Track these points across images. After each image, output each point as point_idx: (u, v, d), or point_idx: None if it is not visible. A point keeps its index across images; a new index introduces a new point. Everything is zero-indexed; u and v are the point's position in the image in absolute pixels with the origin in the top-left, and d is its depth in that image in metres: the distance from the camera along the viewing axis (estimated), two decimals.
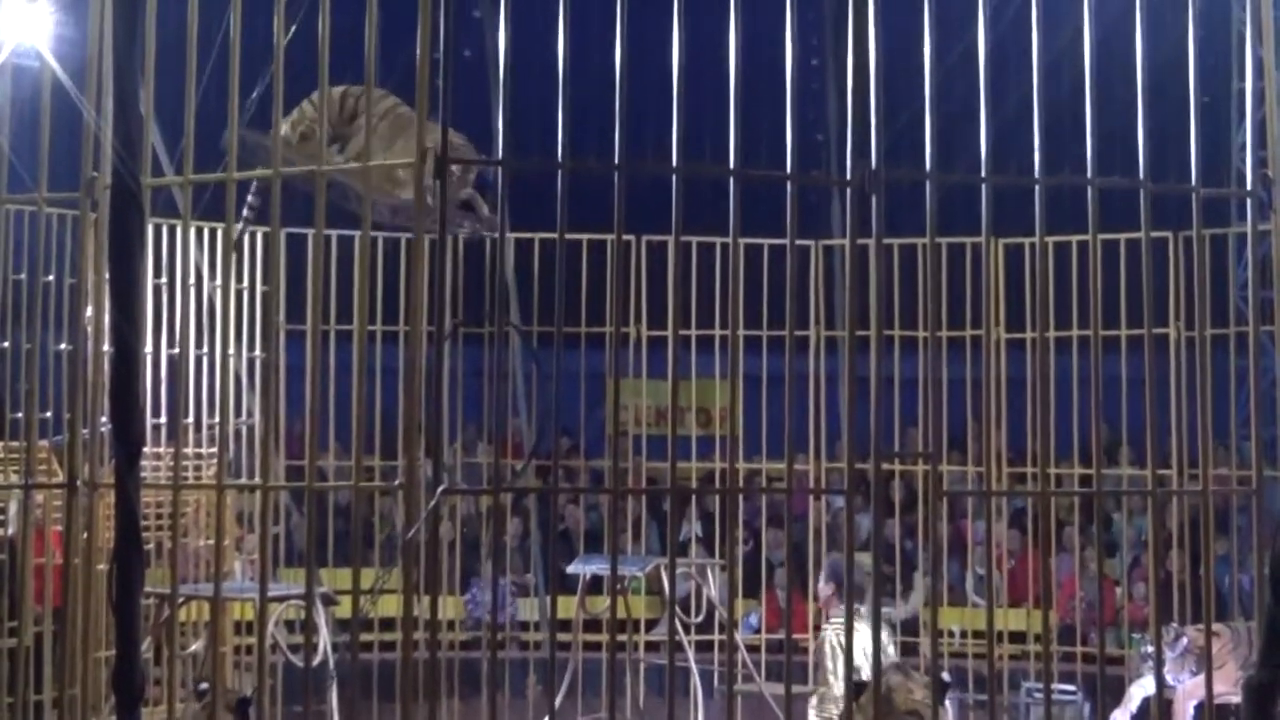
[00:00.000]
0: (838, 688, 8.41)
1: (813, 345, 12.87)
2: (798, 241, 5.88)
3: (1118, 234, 9.15)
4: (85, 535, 6.33)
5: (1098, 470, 6.83)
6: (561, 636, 11.80)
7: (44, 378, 8.94)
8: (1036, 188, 5.99)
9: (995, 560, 11.90)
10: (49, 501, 8.71)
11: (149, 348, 10.25)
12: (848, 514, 6.22)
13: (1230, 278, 13.80)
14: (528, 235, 12.23)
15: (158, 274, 10.54)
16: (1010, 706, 12.68)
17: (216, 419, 7.78)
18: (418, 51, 5.74)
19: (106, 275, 5.71)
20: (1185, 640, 10.00)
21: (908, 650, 13.51)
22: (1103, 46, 6.13)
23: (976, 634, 13.37)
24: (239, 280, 11.19)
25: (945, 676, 7.25)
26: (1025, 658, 12.93)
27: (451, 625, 13.14)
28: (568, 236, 5.80)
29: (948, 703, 8.12)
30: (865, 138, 5.78)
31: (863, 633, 8.40)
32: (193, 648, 10.72)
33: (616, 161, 5.70)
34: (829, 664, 8.60)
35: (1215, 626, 8.17)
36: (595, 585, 12.31)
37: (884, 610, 5.95)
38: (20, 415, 7.90)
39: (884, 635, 8.89)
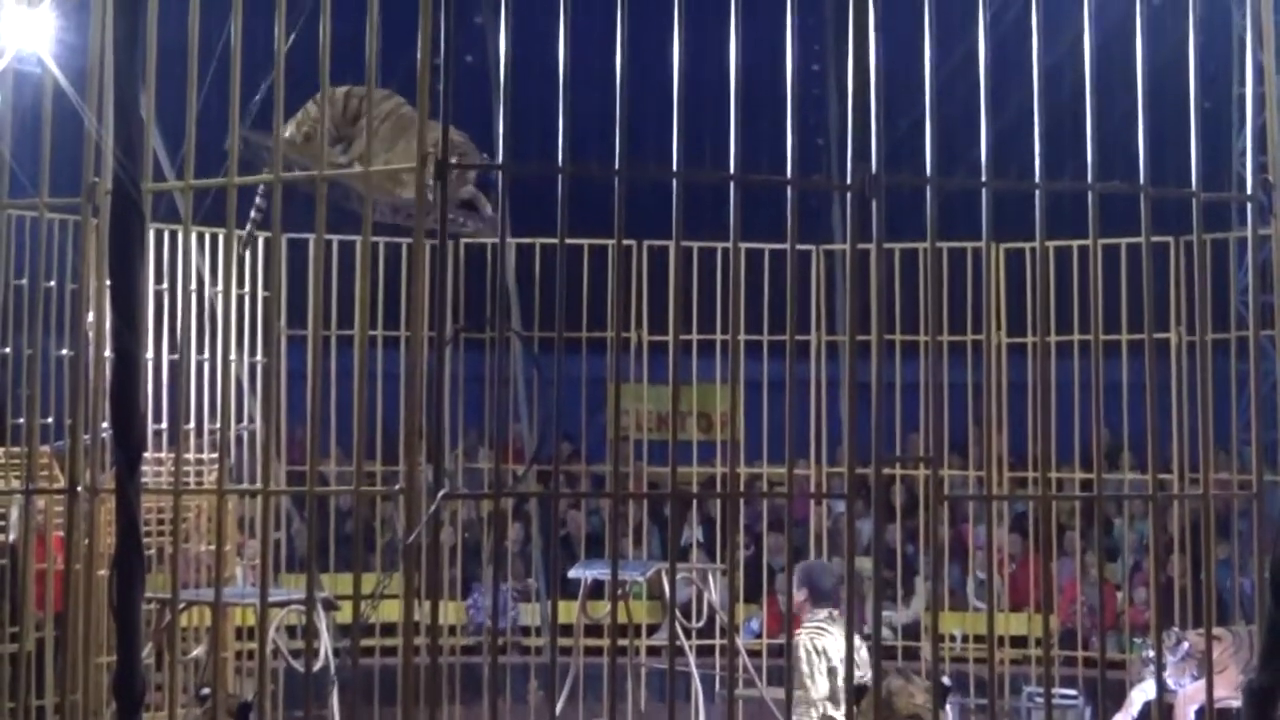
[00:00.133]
0: (814, 691, 8.43)
1: (814, 350, 12.86)
2: (798, 246, 5.88)
3: (1118, 239, 9.14)
4: (86, 541, 6.33)
5: (1099, 474, 6.84)
6: (563, 641, 11.79)
7: (45, 383, 8.94)
8: (1037, 192, 5.99)
9: (996, 564, 11.91)
10: (50, 507, 8.71)
11: (150, 353, 10.26)
12: (848, 519, 6.22)
13: (1231, 282, 13.80)
14: (528, 240, 12.23)
15: (159, 279, 10.55)
16: (1011, 711, 12.68)
17: (218, 424, 7.78)
18: (419, 56, 5.74)
19: (107, 281, 5.71)
20: (1186, 645, 9.99)
21: (909, 655, 13.53)
22: (1103, 51, 6.13)
23: (977, 638, 13.36)
24: (240, 285, 11.20)
25: (946, 681, 7.26)
26: (1026, 662, 12.92)
27: (453, 630, 13.14)
28: (568, 241, 5.79)
29: (949, 707, 8.12)
30: (866, 142, 5.78)
31: (836, 637, 8.41)
32: (194, 653, 10.72)
33: (617, 166, 5.70)
34: (804, 668, 8.62)
35: (1216, 631, 8.17)
36: (596, 590, 12.30)
37: (884, 614, 5.94)
38: (22, 420, 7.91)
39: (857, 641, 8.92)
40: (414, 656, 5.76)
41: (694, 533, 14.56)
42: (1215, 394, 6.46)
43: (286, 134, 8.02)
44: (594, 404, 12.77)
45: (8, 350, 9.80)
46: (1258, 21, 6.62)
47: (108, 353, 5.36)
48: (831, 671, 8.36)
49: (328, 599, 10.27)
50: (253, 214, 8.58)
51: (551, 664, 6.50)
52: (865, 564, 11.22)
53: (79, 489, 6.25)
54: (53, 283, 9.72)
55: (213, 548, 9.97)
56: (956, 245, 11.03)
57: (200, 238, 10.92)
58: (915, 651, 13.57)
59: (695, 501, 14.44)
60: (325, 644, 10.07)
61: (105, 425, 5.74)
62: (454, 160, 7.86)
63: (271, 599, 7.60)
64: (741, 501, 12.51)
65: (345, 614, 10.48)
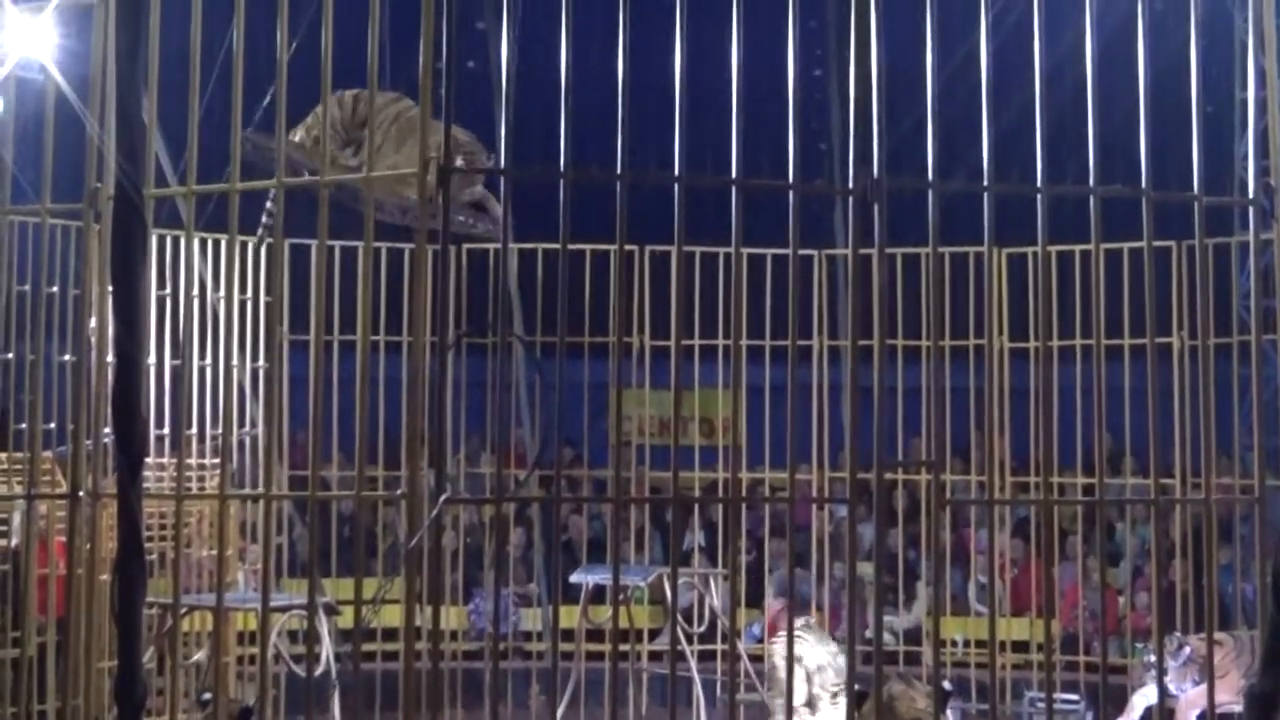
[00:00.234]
0: (795, 696, 8.45)
1: (815, 355, 12.85)
2: (800, 251, 5.88)
3: (1120, 243, 9.15)
4: (88, 546, 6.33)
5: (1100, 479, 6.84)
6: (564, 646, 11.79)
7: (48, 389, 8.95)
8: (1039, 197, 5.99)
9: (998, 569, 11.90)
10: (52, 512, 8.71)
11: (152, 358, 10.26)
12: (850, 523, 6.22)
13: (1233, 287, 13.81)
14: (530, 245, 12.24)
15: (161, 285, 10.55)
16: (1013, 716, 12.67)
17: (219, 429, 7.78)
18: (420, 61, 5.75)
19: (110, 286, 5.72)
20: (1188, 649, 9.99)
21: (910, 659, 13.53)
22: (1105, 55, 6.14)
23: (979, 643, 13.34)
24: (242, 290, 11.20)
25: (947, 686, 7.26)
26: (1028, 667, 12.92)
27: (454, 635, 13.14)
28: (570, 246, 5.80)
29: (949, 712, 8.12)
30: (867, 147, 5.78)
31: (811, 645, 8.42)
32: (195, 658, 10.72)
33: (619, 171, 5.70)
34: (779, 675, 8.64)
35: (1218, 635, 8.18)
36: (598, 595, 12.30)
37: (886, 619, 5.94)
38: (24, 426, 7.91)
39: (828, 651, 8.94)
40: (415, 661, 5.75)
41: (696, 537, 14.55)
42: (1217, 398, 6.45)
43: (296, 138, 8.04)
44: (596, 409, 12.77)
45: (10, 356, 9.81)
46: (1259, 25, 6.62)
47: (110, 358, 5.37)
48: (808, 678, 8.37)
49: (329, 604, 10.27)
50: (264, 220, 8.60)
51: (553, 669, 6.49)
52: (867, 569, 11.22)
53: (81, 494, 6.24)
54: (55, 288, 9.74)
55: (214, 552, 9.96)
56: (958, 250, 11.02)
57: (202, 243, 10.92)
58: (917, 656, 13.56)
59: (697, 506, 14.43)
60: (327, 649, 10.06)
61: (107, 430, 5.75)
62: (461, 161, 7.89)
63: (273, 604, 7.62)
64: (743, 506, 12.50)
65: (347, 619, 10.48)
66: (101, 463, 6.42)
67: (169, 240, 10.39)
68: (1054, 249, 6.28)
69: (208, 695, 7.73)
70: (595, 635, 12.36)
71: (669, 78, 5.75)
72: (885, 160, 5.77)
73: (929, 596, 13.94)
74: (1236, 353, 11.81)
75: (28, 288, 7.86)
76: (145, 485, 4.93)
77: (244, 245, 11.11)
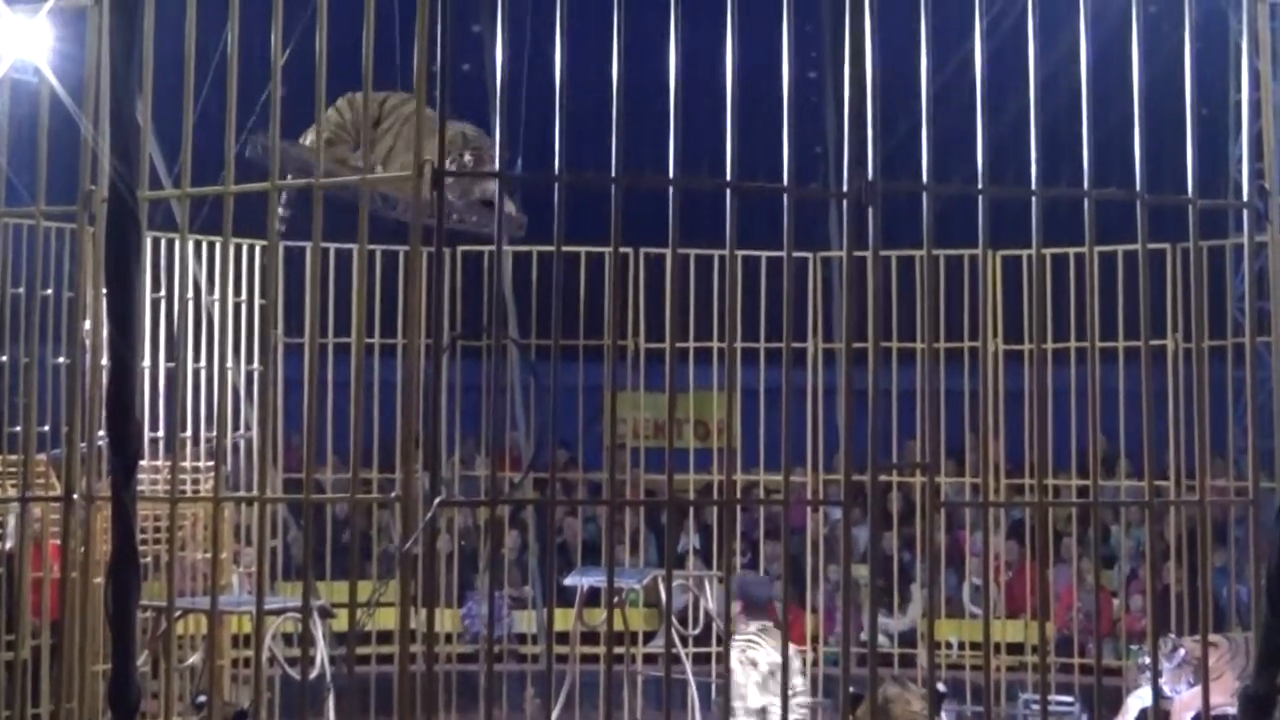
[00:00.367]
0: (751, 699, 8.47)
1: (810, 357, 12.87)
2: (795, 254, 5.88)
3: (1115, 245, 9.16)
4: (82, 548, 6.33)
5: (1095, 481, 6.82)
6: (559, 649, 11.79)
7: (42, 391, 8.93)
8: (1033, 199, 5.99)
9: (993, 572, 11.90)
10: (47, 515, 8.71)
11: (147, 361, 10.26)
12: (845, 526, 6.21)
13: (1227, 289, 13.82)
14: (525, 248, 12.24)
15: (156, 287, 10.55)
16: (1007, 718, 12.68)
17: (214, 432, 7.77)
18: (415, 64, 5.74)
19: (104, 289, 5.71)
20: (1183, 651, 10.00)
21: (905, 662, 13.53)
22: (1100, 58, 6.14)
23: (974, 645, 13.36)
24: (237, 293, 11.20)
25: (942, 688, 7.25)
26: (1023, 669, 12.93)
27: (449, 638, 13.14)
28: (565, 249, 5.80)
29: (944, 714, 8.12)
30: (862, 150, 5.78)
31: (767, 649, 8.43)
32: (190, 661, 10.72)
33: (614, 174, 5.70)
34: (737, 679, 8.67)
35: (1213, 638, 8.16)
36: (593, 597, 12.30)
37: (881, 621, 5.94)
38: (18, 428, 7.89)
39: (795, 663, 8.95)
40: (410, 664, 5.75)
41: (690, 540, 14.56)
42: (1212, 401, 6.46)
43: (307, 142, 8.04)
44: (591, 412, 12.77)
45: (4, 358, 9.79)
46: (1254, 28, 6.63)
47: (104, 361, 5.36)
48: (764, 681, 8.38)
49: (324, 607, 10.27)
50: (279, 225, 8.60)
51: (548, 671, 6.50)
52: (862, 571, 11.22)
53: (75, 497, 6.24)
54: (49, 291, 9.71)
55: (209, 555, 9.95)
56: (953, 252, 11.03)
57: (197, 245, 10.92)
58: (911, 659, 13.56)
59: (692, 509, 14.44)
60: (321, 652, 10.06)
61: (101, 433, 5.74)
62: (469, 156, 7.87)
63: (268, 607, 7.61)
64: (738, 509, 12.50)
65: (341, 622, 10.49)
66: (96, 465, 6.42)
67: (164, 243, 10.39)
68: (1049, 251, 6.27)
69: (202, 698, 7.72)
70: (590, 638, 12.36)
71: (664, 80, 5.75)
72: (880, 163, 5.77)
73: (924, 599, 13.96)
74: (1231, 355, 11.80)
75: (22, 290, 7.87)
76: (140, 488, 4.91)
77: (238, 247, 11.13)
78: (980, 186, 5.95)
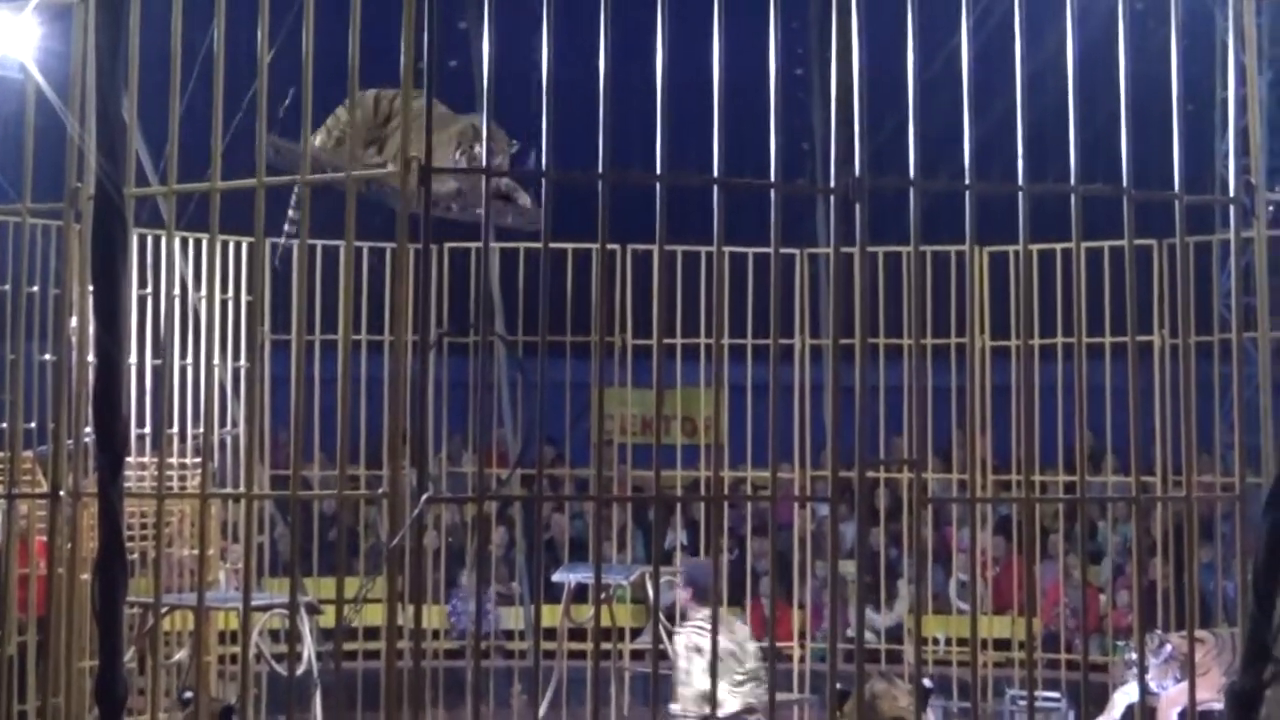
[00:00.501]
0: (697, 684, 8.51)
1: (797, 353, 12.86)
2: (782, 250, 5.88)
3: (1102, 241, 9.17)
4: (69, 545, 6.32)
5: (1082, 477, 6.85)
6: (546, 645, 11.78)
7: (28, 388, 8.93)
8: (1020, 195, 6.00)
9: (979, 567, 11.92)
10: (33, 511, 8.70)
11: (133, 358, 10.25)
12: (832, 522, 6.21)
13: (1214, 285, 13.84)
14: (513, 245, 12.22)
15: (142, 284, 10.53)
16: (994, 714, 12.69)
17: (201, 429, 7.77)
18: (402, 61, 5.74)
19: (90, 286, 5.70)
20: (1169, 647, 10.01)
21: (892, 658, 13.54)
22: (1086, 55, 6.14)
23: (960, 641, 13.36)
24: (223, 290, 11.19)
25: (928, 684, 7.26)
26: (1009, 665, 12.94)
27: (436, 634, 13.13)
28: (552, 245, 5.80)
29: (931, 710, 8.12)
30: (849, 146, 5.79)
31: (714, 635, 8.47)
32: (177, 657, 10.71)
33: (601, 170, 5.70)
34: (682, 664, 8.69)
35: (1199, 633, 8.18)
36: (580, 594, 12.31)
37: (867, 617, 5.95)
38: (4, 425, 7.89)
39: (732, 639, 8.97)
40: (397, 660, 5.75)
41: (678, 536, 14.56)
42: (1198, 397, 6.47)
43: (317, 141, 8.05)
44: (578, 408, 12.76)
45: None
46: (1240, 24, 6.64)
47: (90, 358, 5.36)
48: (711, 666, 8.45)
49: (311, 603, 10.26)
50: (286, 227, 8.61)
51: (535, 668, 6.49)
52: (849, 567, 11.23)
53: (61, 493, 6.24)
54: (35, 288, 9.72)
55: (196, 552, 9.96)
56: (940, 249, 11.05)
57: (183, 242, 10.90)
58: (898, 655, 13.58)
59: (679, 505, 14.44)
60: (308, 648, 10.06)
61: (88, 430, 5.73)
62: (478, 149, 7.89)
63: (254, 603, 7.60)
64: (725, 505, 12.51)
65: (328, 618, 10.47)
66: (82, 462, 6.42)
67: (150, 240, 10.37)
68: (1035, 248, 6.29)
69: (189, 694, 7.72)
70: (577, 634, 12.36)
71: (651, 77, 5.75)
72: (867, 159, 5.77)
73: (911, 595, 13.98)
74: (1217, 351, 11.84)
75: (8, 287, 7.86)
76: (126, 485, 4.90)
77: (225, 244, 11.11)
78: (967, 182, 5.96)
